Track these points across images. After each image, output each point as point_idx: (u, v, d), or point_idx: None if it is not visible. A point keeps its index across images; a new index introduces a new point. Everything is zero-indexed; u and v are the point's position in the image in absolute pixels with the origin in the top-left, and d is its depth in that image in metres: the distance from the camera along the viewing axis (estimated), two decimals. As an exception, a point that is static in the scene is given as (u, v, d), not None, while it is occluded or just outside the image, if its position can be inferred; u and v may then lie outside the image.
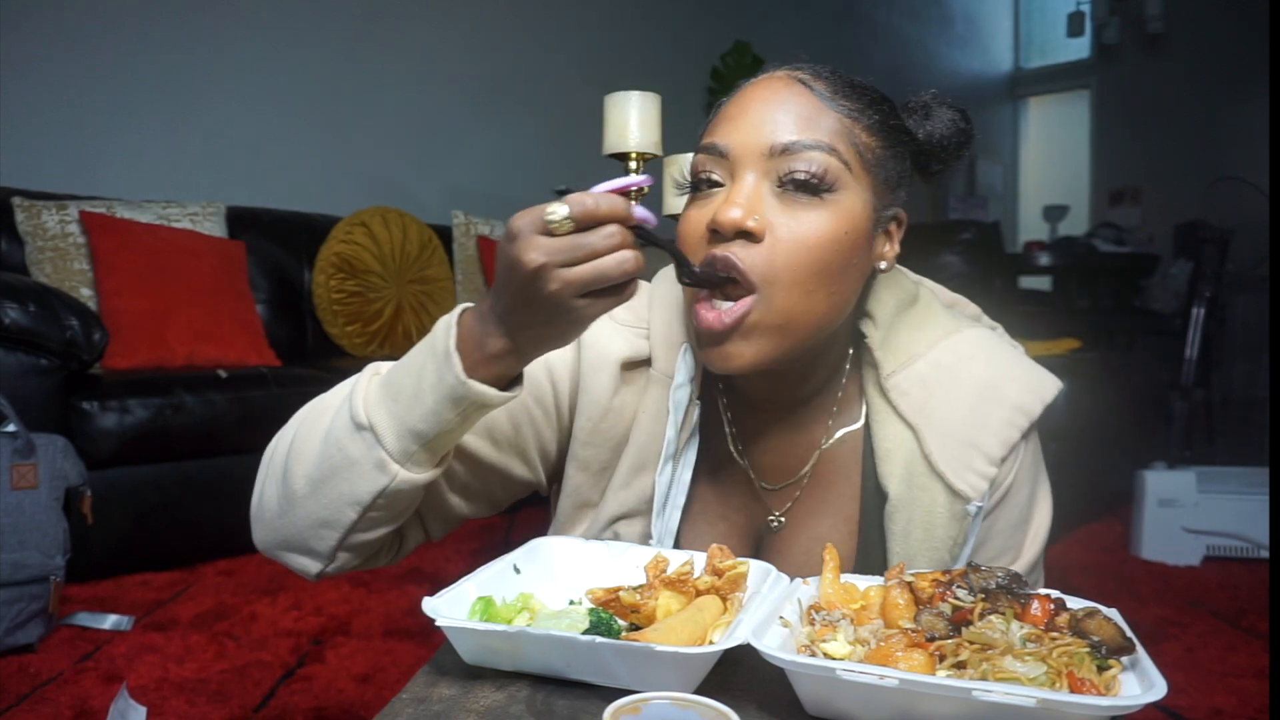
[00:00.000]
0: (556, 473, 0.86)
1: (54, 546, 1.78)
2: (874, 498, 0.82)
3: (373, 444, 0.67)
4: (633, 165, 1.86)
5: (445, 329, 0.65)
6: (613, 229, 0.58)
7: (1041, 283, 5.47)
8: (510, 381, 0.68)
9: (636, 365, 0.82)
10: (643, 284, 0.87)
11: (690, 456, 0.82)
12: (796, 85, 0.74)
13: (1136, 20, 6.50)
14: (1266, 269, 4.63)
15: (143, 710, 1.37)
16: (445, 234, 3.46)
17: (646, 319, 0.84)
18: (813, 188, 0.71)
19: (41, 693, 1.55)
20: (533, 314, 0.61)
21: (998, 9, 7.49)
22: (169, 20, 3.08)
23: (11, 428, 1.77)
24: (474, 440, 0.79)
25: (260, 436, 2.43)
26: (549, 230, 0.58)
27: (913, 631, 0.61)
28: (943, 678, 0.55)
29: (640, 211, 0.60)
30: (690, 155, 2.08)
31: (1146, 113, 6.54)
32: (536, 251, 0.58)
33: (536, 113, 4.17)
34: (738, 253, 0.70)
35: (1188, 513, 2.60)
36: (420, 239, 3.32)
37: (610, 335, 0.81)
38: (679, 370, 0.81)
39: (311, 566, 0.74)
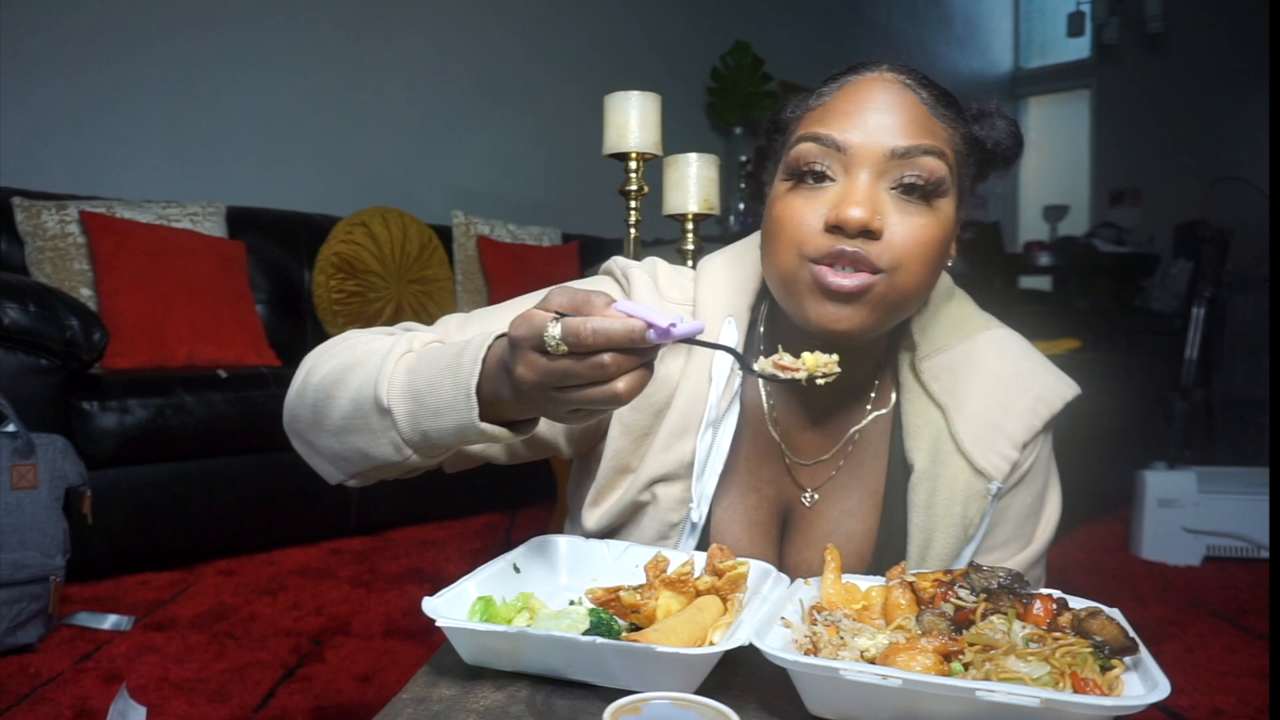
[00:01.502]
0: (583, 441, 0.89)
1: (54, 546, 1.77)
2: (900, 472, 0.86)
3: (390, 427, 0.71)
4: (633, 165, 1.86)
5: (472, 361, 0.66)
6: (604, 359, 0.58)
7: (1041, 283, 5.47)
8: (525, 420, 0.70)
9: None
10: (685, 269, 0.91)
11: (730, 425, 0.85)
12: (906, 90, 0.77)
13: (1136, 20, 6.49)
14: (1266, 269, 4.63)
15: (143, 710, 1.37)
16: (445, 234, 3.45)
17: (693, 296, 0.87)
18: (927, 193, 0.75)
19: (41, 693, 1.55)
20: (533, 407, 0.65)
21: (998, 9, 7.49)
22: (169, 21, 3.08)
23: (11, 428, 1.77)
24: None
25: (260, 436, 2.42)
26: (545, 349, 0.59)
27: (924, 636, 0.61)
28: (946, 678, 0.55)
29: (688, 329, 0.58)
30: (692, 155, 2.07)
31: (1146, 113, 6.54)
32: (528, 369, 0.60)
33: (536, 113, 4.16)
34: (861, 248, 0.74)
35: (1188, 513, 2.60)
36: (420, 239, 3.32)
37: (657, 306, 0.84)
38: (722, 339, 0.85)
39: (330, 477, 0.80)
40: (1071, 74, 7.28)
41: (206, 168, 3.18)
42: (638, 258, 1.01)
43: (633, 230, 1.92)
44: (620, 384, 0.59)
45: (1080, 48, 7.07)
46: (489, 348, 0.66)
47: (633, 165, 1.85)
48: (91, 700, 1.52)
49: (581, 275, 0.96)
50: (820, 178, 0.76)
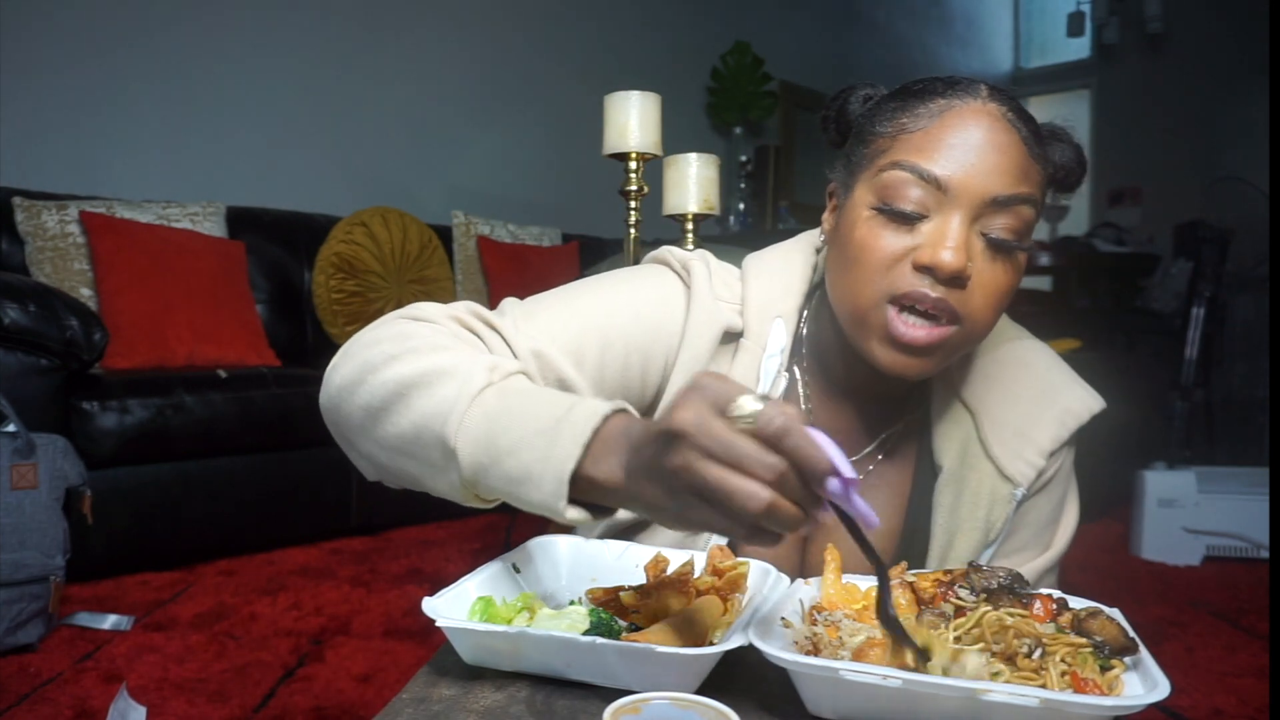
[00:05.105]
0: None
1: (54, 546, 1.77)
2: (927, 473, 0.87)
3: (454, 469, 0.64)
4: (633, 165, 1.86)
5: (572, 440, 0.58)
6: (776, 463, 0.49)
7: (1041, 283, 5.46)
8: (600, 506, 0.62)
9: (733, 337, 0.85)
10: (730, 266, 0.89)
11: None
12: (1010, 128, 0.74)
13: (1136, 20, 6.48)
14: (1266, 269, 4.63)
15: (143, 710, 1.37)
16: (445, 234, 3.46)
17: (740, 295, 0.86)
18: (1016, 244, 0.74)
19: (41, 693, 1.55)
20: (644, 468, 0.55)
21: (998, 9, 7.48)
22: (169, 21, 3.08)
23: (11, 428, 1.77)
24: (559, 356, 0.78)
25: (260, 436, 2.43)
26: (725, 413, 0.51)
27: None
28: (946, 678, 0.55)
29: (861, 506, 0.50)
30: (692, 155, 2.06)
31: (1146, 113, 6.53)
32: (692, 414, 0.51)
33: (536, 113, 4.16)
34: (946, 294, 0.73)
35: (1188, 513, 2.61)
36: (420, 239, 3.32)
37: (714, 305, 0.84)
38: (771, 340, 0.85)
39: (367, 474, 0.76)
40: (1071, 74, 7.27)
41: (206, 168, 3.18)
42: (637, 258, 1.00)
43: (633, 230, 1.92)
44: (767, 494, 0.49)
45: (1080, 48, 7.06)
46: (595, 430, 0.58)
47: (633, 165, 1.85)
48: (91, 700, 1.52)
49: (581, 275, 0.95)
50: (912, 220, 0.73)
